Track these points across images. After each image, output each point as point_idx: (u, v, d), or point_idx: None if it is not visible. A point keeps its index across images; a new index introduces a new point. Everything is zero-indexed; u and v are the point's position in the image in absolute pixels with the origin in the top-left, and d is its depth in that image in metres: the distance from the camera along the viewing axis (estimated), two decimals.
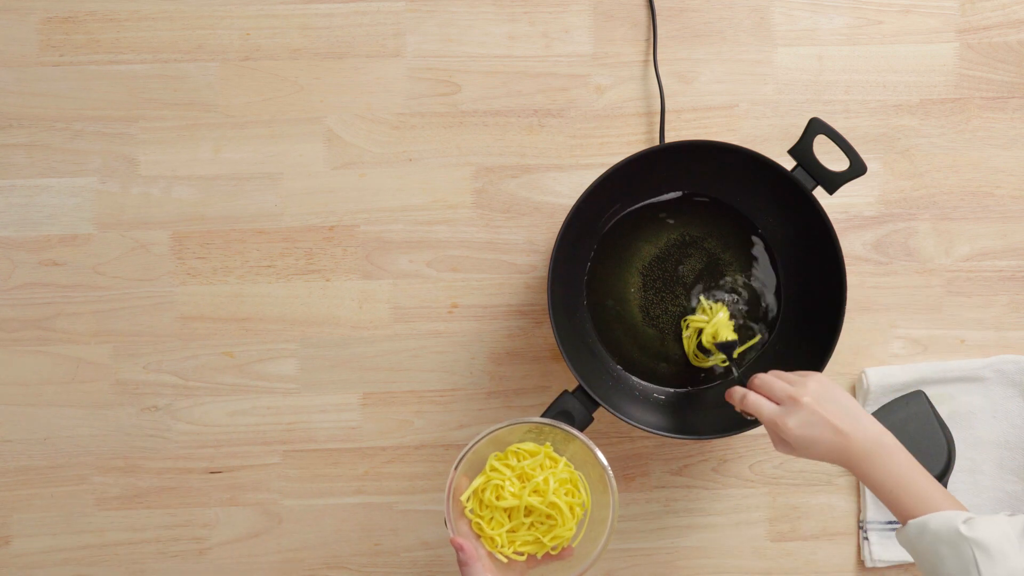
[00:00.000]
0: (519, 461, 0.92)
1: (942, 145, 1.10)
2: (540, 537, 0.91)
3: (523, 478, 0.91)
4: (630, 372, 1.05)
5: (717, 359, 1.04)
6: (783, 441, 0.86)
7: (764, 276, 1.04)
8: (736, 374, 0.97)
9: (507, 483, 0.91)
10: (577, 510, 0.92)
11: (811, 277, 1.01)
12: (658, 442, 1.09)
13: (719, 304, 1.03)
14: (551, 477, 0.91)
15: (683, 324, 1.04)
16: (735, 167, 0.98)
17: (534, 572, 0.92)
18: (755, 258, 1.04)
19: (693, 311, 1.04)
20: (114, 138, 1.08)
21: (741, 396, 0.88)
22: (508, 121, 1.08)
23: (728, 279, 1.04)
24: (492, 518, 0.91)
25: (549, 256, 1.01)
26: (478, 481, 0.92)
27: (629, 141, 1.09)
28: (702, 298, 1.04)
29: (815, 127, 0.95)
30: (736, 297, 1.04)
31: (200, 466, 1.08)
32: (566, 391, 0.95)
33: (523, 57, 1.08)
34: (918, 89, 1.10)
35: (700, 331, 1.03)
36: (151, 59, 1.08)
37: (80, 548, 1.08)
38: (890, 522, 1.08)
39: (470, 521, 0.91)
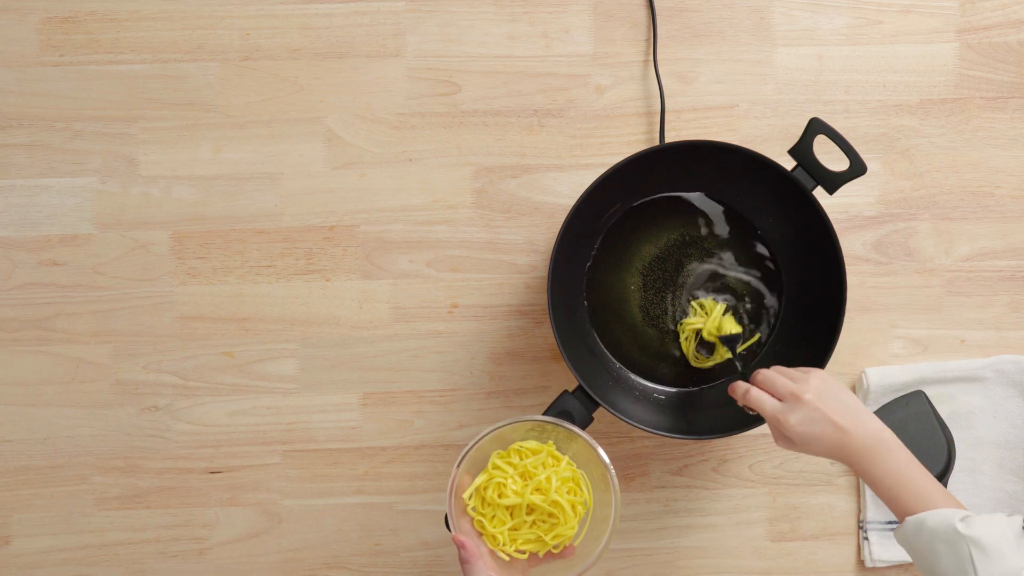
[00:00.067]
0: (521, 459, 0.92)
1: (942, 145, 1.10)
2: (542, 535, 0.91)
3: (525, 476, 0.91)
4: (630, 372, 1.05)
5: (718, 358, 1.04)
6: (784, 437, 0.87)
7: (764, 276, 1.04)
8: (740, 368, 0.97)
9: (509, 481, 0.91)
10: (579, 509, 0.92)
11: (811, 277, 1.01)
12: (658, 442, 1.09)
13: (712, 301, 1.03)
14: (553, 475, 0.91)
15: (679, 328, 1.04)
16: (735, 167, 0.98)
17: (535, 570, 0.92)
18: (755, 258, 1.04)
19: (687, 314, 1.04)
20: (114, 138, 1.08)
21: (744, 391, 0.89)
22: (508, 121, 1.08)
23: (728, 279, 1.04)
24: (494, 516, 0.91)
25: (549, 256, 1.01)
26: (480, 479, 0.92)
27: (629, 141, 1.09)
28: (693, 302, 1.04)
29: (815, 127, 0.95)
30: (736, 297, 1.04)
31: (200, 466, 1.08)
32: (566, 391, 0.95)
33: (523, 57, 1.08)
34: (918, 89, 1.10)
35: (698, 332, 1.03)
36: (151, 59, 1.08)
37: (80, 548, 1.08)
38: (890, 522, 1.08)
39: (472, 519, 0.91)
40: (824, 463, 1.10)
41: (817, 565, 1.10)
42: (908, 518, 0.81)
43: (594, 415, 0.95)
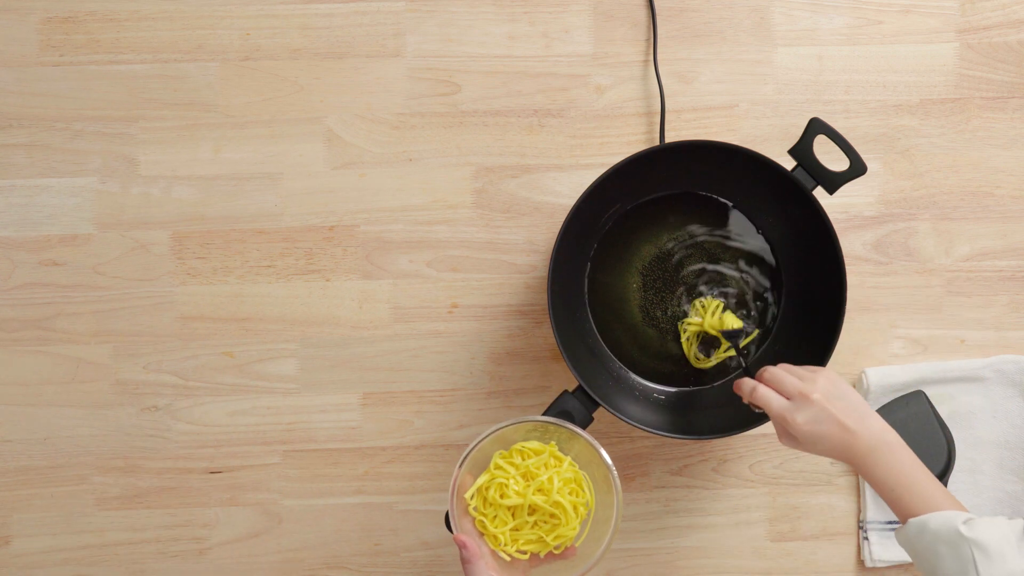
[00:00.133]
0: (523, 459, 0.92)
1: (942, 145, 1.10)
2: (543, 536, 0.91)
3: (527, 476, 0.91)
4: (630, 372, 1.05)
5: (718, 358, 1.04)
6: (789, 435, 0.87)
7: (764, 276, 1.04)
8: (744, 363, 0.97)
9: (511, 481, 0.91)
10: (581, 509, 0.92)
11: (811, 277, 1.01)
12: (658, 442, 1.09)
13: (712, 299, 1.04)
14: (555, 476, 0.91)
15: (680, 328, 1.04)
16: (735, 167, 0.98)
17: (537, 571, 0.92)
18: (755, 258, 1.04)
19: (686, 314, 1.04)
20: (114, 138, 1.07)
21: (751, 388, 0.89)
22: (508, 121, 1.08)
23: (728, 279, 1.04)
24: (496, 516, 0.91)
25: (549, 256, 1.01)
26: (482, 479, 0.92)
27: (629, 141, 1.09)
28: (694, 301, 1.04)
29: (815, 127, 0.95)
30: (736, 296, 1.04)
31: (200, 466, 1.08)
32: (566, 391, 0.95)
33: (523, 57, 1.08)
34: (918, 89, 1.10)
35: (699, 332, 1.04)
36: (151, 59, 1.08)
37: (80, 548, 1.08)
38: (890, 522, 1.08)
39: (474, 519, 0.91)
40: (824, 463, 1.10)
41: (817, 565, 1.10)
42: (911, 519, 0.81)
43: (594, 415, 0.95)
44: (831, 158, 0.96)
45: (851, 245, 1.09)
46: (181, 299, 1.08)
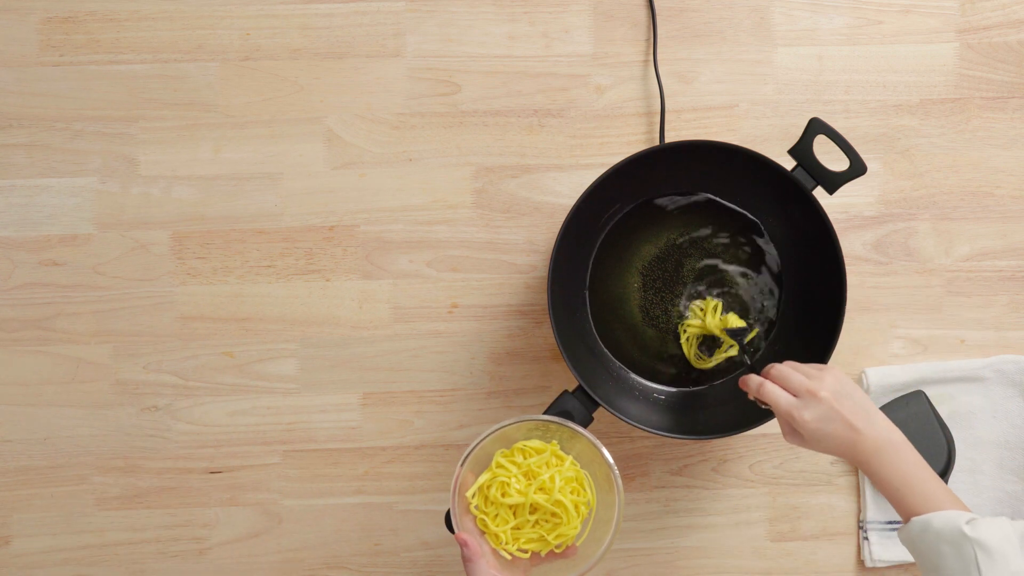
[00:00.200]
0: (525, 458, 0.92)
1: (942, 145, 1.10)
2: (544, 535, 0.91)
3: (529, 475, 0.91)
4: (630, 372, 1.05)
5: (719, 359, 1.04)
6: (794, 432, 0.87)
7: (764, 276, 1.04)
8: (749, 362, 0.97)
9: (513, 480, 0.91)
10: (582, 509, 0.92)
11: (811, 277, 1.01)
12: (658, 442, 1.09)
13: (710, 299, 1.04)
14: (557, 475, 0.91)
15: (680, 330, 1.04)
16: (735, 167, 0.98)
17: (538, 570, 0.92)
18: (755, 258, 1.04)
19: (685, 316, 1.04)
20: (114, 138, 1.08)
21: (758, 385, 0.88)
22: (508, 121, 1.08)
23: (728, 279, 1.04)
24: (497, 515, 0.91)
25: (549, 256, 1.01)
26: (484, 477, 0.92)
27: (629, 141, 1.09)
28: (693, 304, 1.04)
29: (815, 127, 0.95)
30: (736, 296, 1.04)
31: (200, 466, 1.08)
32: (566, 391, 0.95)
33: (523, 57, 1.08)
34: (918, 89, 1.10)
35: (698, 334, 1.04)
36: (151, 59, 1.08)
37: (80, 548, 1.08)
38: (890, 522, 1.08)
39: (475, 518, 0.91)
40: (824, 463, 1.10)
41: (817, 565, 1.10)
42: (914, 518, 0.81)
43: (594, 415, 0.95)
44: (831, 158, 0.96)
45: (851, 245, 1.09)
46: (181, 299, 1.08)
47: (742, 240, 1.04)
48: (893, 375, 1.08)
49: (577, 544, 0.92)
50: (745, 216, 1.04)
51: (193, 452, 1.08)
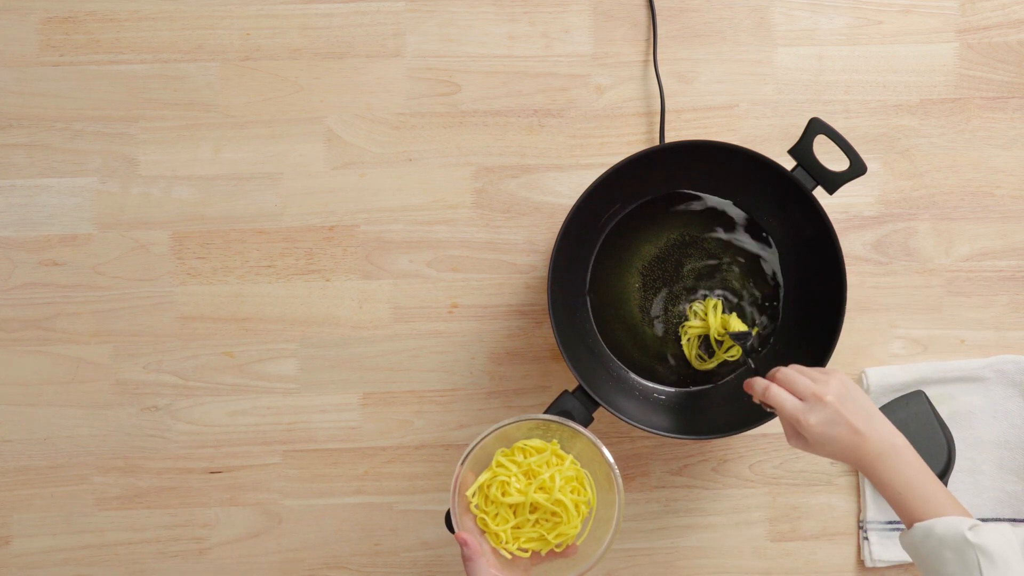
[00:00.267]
0: (525, 457, 0.92)
1: (942, 145, 1.10)
2: (545, 534, 0.91)
3: (529, 475, 0.91)
4: (630, 372, 1.05)
5: (719, 359, 1.04)
6: (798, 436, 0.87)
7: (764, 276, 1.04)
8: (753, 365, 0.97)
9: (513, 479, 0.91)
10: (582, 508, 0.92)
11: (811, 277, 1.01)
12: (658, 442, 1.09)
13: (709, 299, 1.04)
14: (557, 474, 0.91)
15: (680, 331, 1.04)
16: (735, 167, 0.98)
17: (538, 569, 0.92)
18: (755, 258, 1.04)
19: (686, 317, 1.04)
20: (114, 138, 1.08)
21: (763, 388, 0.88)
22: (508, 121, 1.08)
23: (728, 279, 1.04)
24: (497, 514, 0.91)
25: (549, 256, 1.01)
26: (484, 476, 0.92)
27: (629, 141, 1.09)
28: (692, 304, 1.04)
29: (815, 127, 0.95)
30: (736, 296, 1.04)
31: (200, 466, 1.08)
32: (566, 391, 0.95)
33: (523, 57, 1.08)
34: (918, 89, 1.10)
35: (699, 335, 1.04)
36: (151, 59, 1.08)
37: (80, 548, 1.08)
38: (890, 522, 1.08)
39: (475, 517, 0.91)
40: (824, 463, 1.10)
41: (817, 565, 1.10)
42: (916, 524, 0.81)
43: (594, 415, 0.95)
44: (831, 158, 0.96)
45: (851, 245, 1.09)
46: (181, 299, 1.08)
47: (742, 240, 1.04)
48: (893, 375, 1.08)
49: (577, 543, 0.92)
50: (745, 216, 1.04)
51: (193, 452, 1.08)
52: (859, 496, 1.10)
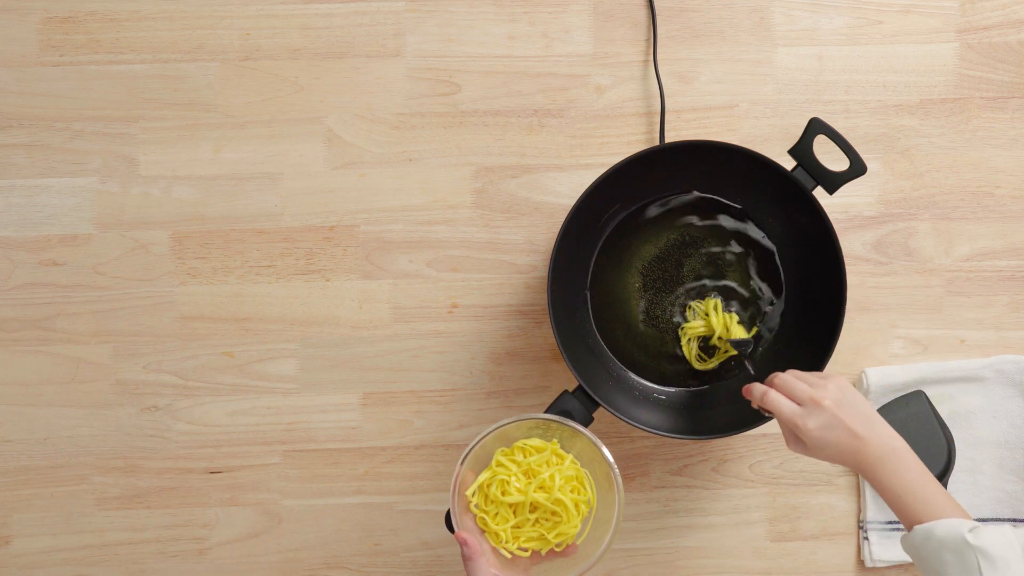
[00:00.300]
0: (525, 457, 0.92)
1: (942, 145, 1.10)
2: (545, 534, 0.91)
3: (529, 474, 0.91)
4: (630, 372, 1.05)
5: (719, 359, 1.04)
6: (797, 440, 0.87)
7: (764, 276, 1.04)
8: (753, 372, 0.97)
9: (513, 479, 0.91)
10: (582, 507, 0.92)
11: (811, 277, 1.01)
12: (658, 442, 1.09)
13: (709, 299, 1.04)
14: (557, 474, 0.91)
15: (680, 332, 1.04)
16: (735, 167, 0.98)
17: (538, 568, 0.92)
18: (755, 258, 1.04)
19: (686, 317, 1.04)
20: (114, 138, 1.08)
21: (761, 393, 0.89)
22: (508, 121, 1.09)
23: (728, 279, 1.04)
24: (497, 513, 0.91)
25: (549, 256, 1.01)
26: (484, 476, 0.92)
27: (629, 141, 1.09)
28: (693, 304, 1.04)
29: (815, 127, 0.95)
30: (736, 296, 1.04)
31: (200, 466, 1.08)
32: (566, 391, 0.95)
33: (523, 57, 1.08)
34: (918, 89, 1.10)
35: (699, 335, 1.04)
36: (151, 59, 1.08)
37: (80, 548, 1.08)
38: (890, 522, 1.08)
39: (475, 516, 0.91)
40: (824, 463, 1.10)
41: (817, 565, 1.10)
42: (917, 527, 0.81)
43: (594, 415, 0.95)
44: (831, 158, 0.96)
45: (851, 245, 1.09)
46: (181, 299, 1.08)
47: (742, 240, 1.04)
48: (893, 375, 1.08)
49: (577, 543, 0.92)
50: (745, 216, 1.04)
51: (193, 452, 1.08)
52: (859, 496, 1.10)
